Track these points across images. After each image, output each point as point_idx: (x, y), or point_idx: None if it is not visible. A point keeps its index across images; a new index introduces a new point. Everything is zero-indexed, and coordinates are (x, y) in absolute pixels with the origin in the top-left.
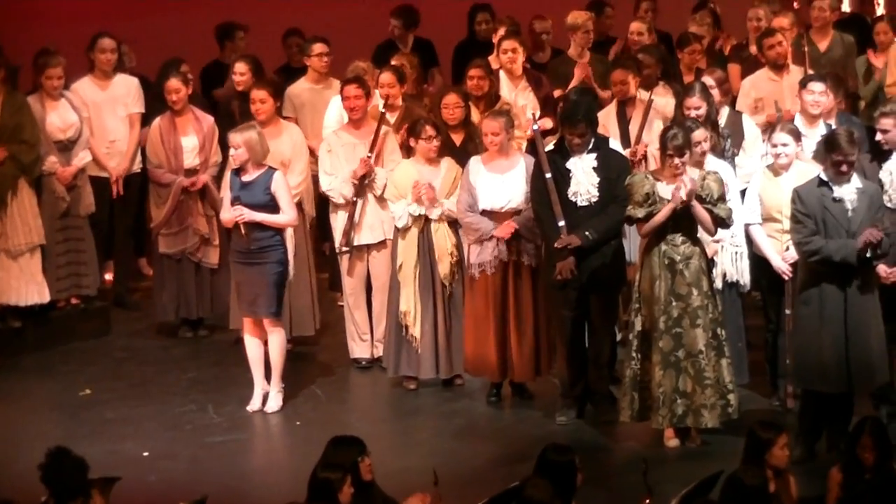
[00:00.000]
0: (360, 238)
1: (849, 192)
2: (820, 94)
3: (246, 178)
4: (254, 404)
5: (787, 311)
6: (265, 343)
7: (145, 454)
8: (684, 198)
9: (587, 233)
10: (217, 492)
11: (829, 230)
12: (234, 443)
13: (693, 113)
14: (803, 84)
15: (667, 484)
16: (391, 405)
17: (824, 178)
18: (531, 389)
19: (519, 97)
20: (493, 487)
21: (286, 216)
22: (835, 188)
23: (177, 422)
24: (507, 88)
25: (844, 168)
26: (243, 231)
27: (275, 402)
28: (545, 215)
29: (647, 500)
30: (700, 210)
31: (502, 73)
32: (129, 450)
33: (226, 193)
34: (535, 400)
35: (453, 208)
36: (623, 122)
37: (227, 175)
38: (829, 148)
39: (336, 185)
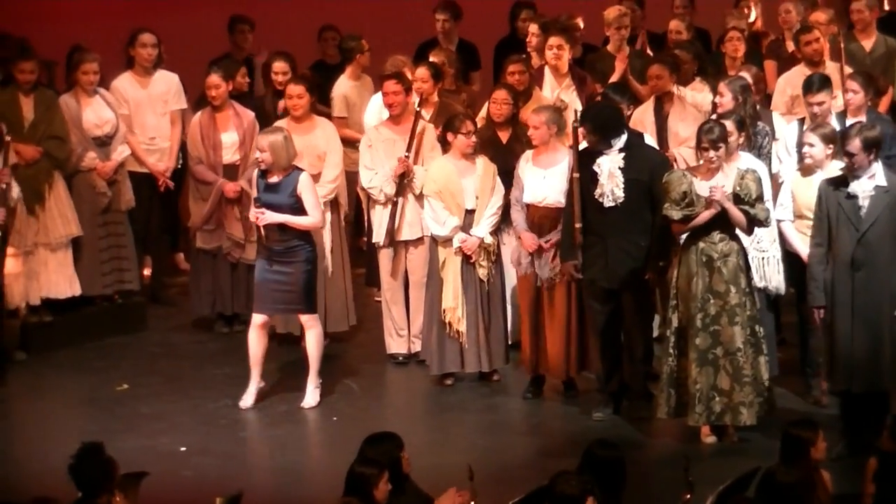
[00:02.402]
0: (399, 234)
1: (863, 188)
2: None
3: (272, 179)
4: (246, 401)
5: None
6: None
7: (182, 449)
8: (721, 202)
9: (661, 264)
10: (252, 487)
11: (840, 226)
12: (269, 438)
13: (718, 100)
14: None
15: (703, 481)
16: (427, 401)
17: (842, 173)
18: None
19: (562, 95)
20: (529, 483)
21: (311, 219)
22: (851, 184)
23: (212, 417)
24: (550, 86)
25: (849, 162)
26: (262, 233)
27: (312, 398)
28: (566, 214)
29: (688, 497)
30: (735, 212)
31: (546, 71)
32: (164, 445)
33: (253, 193)
34: (572, 396)
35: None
36: (660, 117)
37: (254, 175)
38: (842, 143)
39: (378, 182)
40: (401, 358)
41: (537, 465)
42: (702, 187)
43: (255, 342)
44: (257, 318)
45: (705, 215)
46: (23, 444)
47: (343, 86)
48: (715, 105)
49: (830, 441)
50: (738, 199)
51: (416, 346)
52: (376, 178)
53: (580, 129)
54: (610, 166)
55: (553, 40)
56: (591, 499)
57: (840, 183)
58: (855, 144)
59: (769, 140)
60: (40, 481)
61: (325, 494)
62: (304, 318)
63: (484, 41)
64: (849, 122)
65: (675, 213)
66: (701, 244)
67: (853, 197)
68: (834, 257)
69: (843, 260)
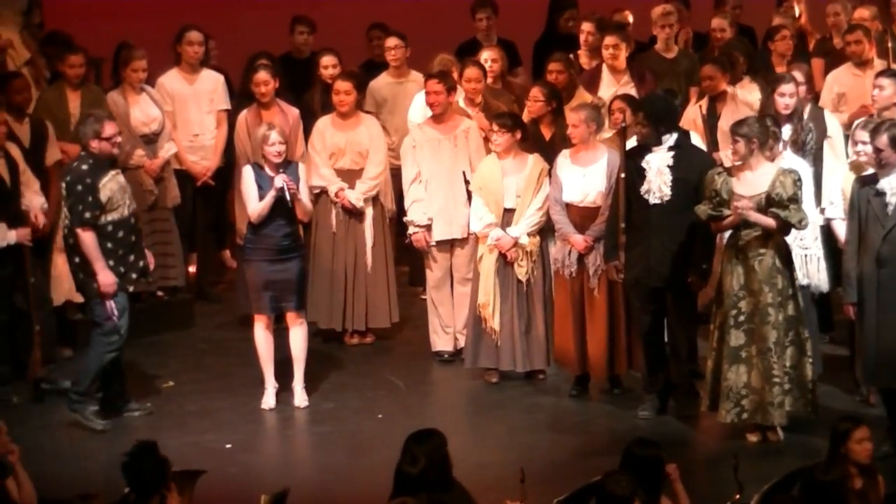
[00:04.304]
0: (445, 233)
1: (891, 185)
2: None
3: (270, 172)
4: (268, 402)
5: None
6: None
7: (228, 446)
8: (744, 213)
9: (704, 266)
10: (298, 484)
11: (869, 223)
12: (315, 435)
13: (787, 100)
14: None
15: (748, 480)
16: (472, 399)
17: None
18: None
19: (620, 93)
20: (575, 482)
21: (310, 205)
22: (880, 181)
23: (258, 414)
24: (608, 84)
25: (876, 158)
26: (290, 199)
27: (301, 398)
28: (610, 214)
29: (738, 497)
30: (762, 220)
31: (604, 69)
32: (210, 442)
33: (252, 187)
34: (618, 395)
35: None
36: (712, 117)
37: (248, 170)
38: (871, 139)
39: (417, 216)
40: (446, 355)
41: (582, 463)
42: (737, 186)
43: (264, 343)
44: (262, 319)
45: (729, 221)
46: (69, 441)
47: (378, 82)
48: (763, 104)
49: (877, 440)
50: (770, 200)
51: (462, 343)
52: (417, 211)
53: (630, 122)
54: (659, 164)
55: (609, 39)
56: (637, 501)
57: (871, 180)
58: (882, 140)
59: (813, 137)
60: (86, 479)
61: (371, 492)
62: (293, 316)
63: (521, 39)
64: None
65: (702, 213)
66: (738, 243)
67: (881, 194)
68: (863, 254)
69: (870, 257)
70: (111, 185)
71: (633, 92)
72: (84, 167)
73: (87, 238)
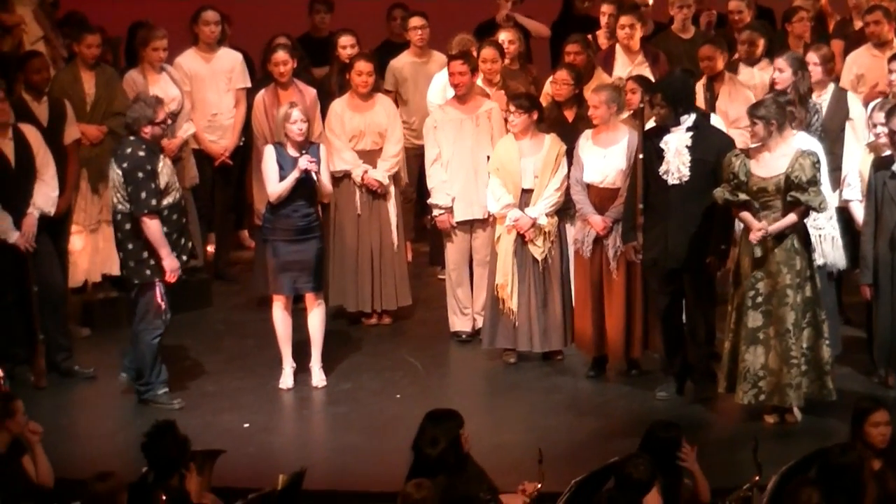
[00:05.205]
0: (466, 213)
1: None
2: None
3: (292, 153)
4: (286, 382)
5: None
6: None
7: (246, 426)
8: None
9: (722, 248)
10: (315, 464)
11: (884, 205)
12: (332, 416)
13: (776, 74)
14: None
15: (766, 462)
16: (490, 379)
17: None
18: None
19: (635, 73)
20: (592, 463)
21: (330, 186)
22: (895, 163)
23: (275, 394)
24: (622, 64)
25: (891, 141)
26: (316, 178)
27: (319, 379)
28: (628, 195)
29: (756, 479)
30: (784, 224)
31: (618, 49)
32: (227, 422)
33: (273, 168)
34: (636, 376)
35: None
36: (711, 98)
37: (270, 150)
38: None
39: (440, 196)
40: (464, 336)
41: (600, 445)
42: (756, 168)
43: (282, 323)
44: (280, 300)
45: (743, 216)
46: (87, 421)
47: (400, 61)
48: (773, 82)
49: None
50: (790, 182)
51: (480, 324)
52: (440, 193)
53: (647, 103)
54: (677, 144)
55: (624, 19)
56: (657, 484)
57: (887, 163)
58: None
59: (819, 118)
60: (104, 458)
61: (388, 473)
62: (311, 297)
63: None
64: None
65: (720, 196)
66: None
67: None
68: (879, 236)
69: (885, 239)
70: (165, 169)
71: (647, 72)
72: (141, 153)
73: (154, 225)
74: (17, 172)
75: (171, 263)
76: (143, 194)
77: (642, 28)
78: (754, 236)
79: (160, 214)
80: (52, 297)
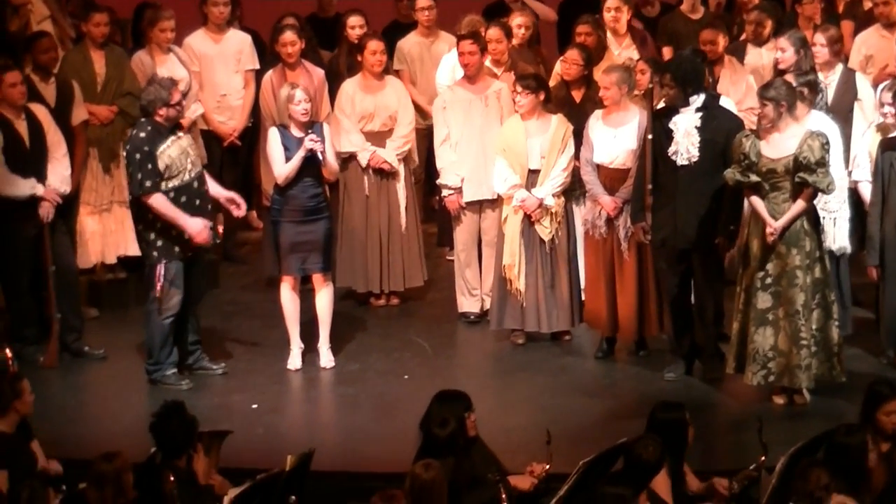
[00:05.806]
0: (475, 194)
1: None
2: None
3: (297, 133)
4: (294, 363)
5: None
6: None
7: (254, 407)
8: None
9: (731, 228)
10: (324, 445)
11: (891, 187)
12: (340, 397)
13: (777, 54)
14: None
15: (775, 443)
16: (498, 360)
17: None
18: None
19: (623, 56)
20: (601, 444)
21: (335, 165)
22: None
23: (283, 375)
24: (612, 47)
25: None
26: (321, 157)
27: (327, 359)
28: (637, 175)
29: (763, 459)
30: (793, 214)
31: (608, 33)
32: (236, 403)
33: (278, 149)
34: (644, 356)
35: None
36: (712, 82)
37: (274, 132)
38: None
39: (449, 177)
40: (473, 317)
41: (608, 425)
42: (766, 149)
43: (290, 303)
44: (288, 280)
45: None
46: (95, 401)
47: (408, 42)
48: (776, 63)
49: None
50: (798, 163)
51: (488, 305)
52: (449, 172)
53: (657, 84)
54: (686, 125)
55: (611, 2)
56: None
57: (894, 144)
58: None
59: (824, 97)
60: (113, 439)
61: (396, 453)
62: (319, 278)
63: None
64: None
65: (730, 178)
66: (766, 205)
67: None
68: (886, 217)
69: (892, 220)
70: (170, 151)
71: (635, 55)
72: (142, 135)
73: (156, 202)
74: (31, 151)
75: (191, 228)
76: (139, 175)
77: (629, 11)
78: (768, 239)
79: (166, 196)
80: (66, 278)
